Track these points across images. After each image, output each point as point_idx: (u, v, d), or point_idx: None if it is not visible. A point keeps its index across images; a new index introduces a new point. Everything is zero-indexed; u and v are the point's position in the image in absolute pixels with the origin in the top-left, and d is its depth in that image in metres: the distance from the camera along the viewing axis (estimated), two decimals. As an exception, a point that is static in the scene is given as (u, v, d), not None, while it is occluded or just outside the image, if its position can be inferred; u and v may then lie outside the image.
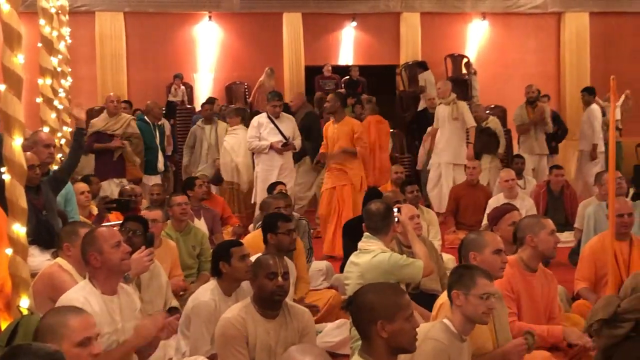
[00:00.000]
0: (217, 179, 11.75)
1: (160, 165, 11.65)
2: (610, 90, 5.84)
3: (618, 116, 14.77)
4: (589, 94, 13.44)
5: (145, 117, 11.63)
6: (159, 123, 11.80)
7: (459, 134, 12.39)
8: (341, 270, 7.78)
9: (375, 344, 3.58)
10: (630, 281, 4.13)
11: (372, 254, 5.57)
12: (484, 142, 12.81)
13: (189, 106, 16.49)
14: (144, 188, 10.40)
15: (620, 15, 18.26)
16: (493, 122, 13.22)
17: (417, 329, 3.66)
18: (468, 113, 12.45)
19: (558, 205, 10.79)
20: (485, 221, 9.30)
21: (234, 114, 11.90)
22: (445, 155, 12.39)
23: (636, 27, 18.30)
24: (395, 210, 5.94)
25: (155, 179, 11.19)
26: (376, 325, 3.55)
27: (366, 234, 5.77)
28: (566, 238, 9.94)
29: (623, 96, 14.66)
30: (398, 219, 5.92)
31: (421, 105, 15.71)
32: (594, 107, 13.30)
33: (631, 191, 10.04)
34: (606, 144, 13.05)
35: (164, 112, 13.37)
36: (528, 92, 13.06)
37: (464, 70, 17.75)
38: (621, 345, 3.88)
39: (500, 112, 15.95)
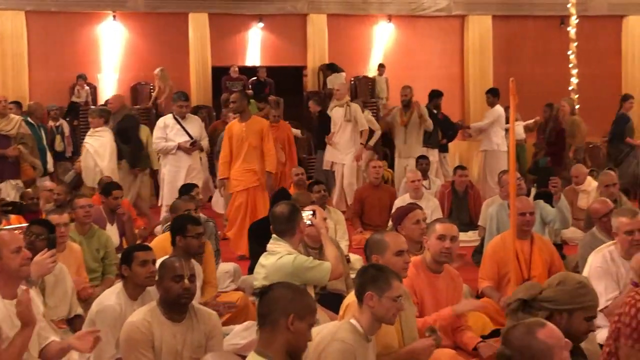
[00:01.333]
0: (77, 183, 11.46)
1: (50, 166, 11.43)
2: (510, 92, 5.95)
3: (522, 134, 15.17)
4: (492, 95, 13.68)
5: (29, 119, 11.42)
6: (57, 124, 11.59)
7: (354, 136, 12.65)
8: (249, 272, 7.77)
9: (277, 339, 3.57)
10: (561, 275, 4.19)
11: (277, 256, 5.55)
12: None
13: (92, 107, 16.20)
14: (35, 190, 10.18)
15: (522, 18, 18.67)
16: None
17: (318, 333, 3.66)
18: (361, 115, 12.72)
19: (462, 205, 10.96)
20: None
21: (96, 115, 11.34)
22: (342, 156, 12.67)
23: (537, 30, 18.73)
24: (310, 213, 5.95)
25: (45, 180, 10.94)
26: (288, 318, 3.55)
27: (274, 235, 5.77)
28: (470, 237, 10.12)
29: (532, 121, 15.05)
30: (312, 223, 5.92)
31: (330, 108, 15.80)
32: (498, 108, 13.55)
33: (533, 191, 10.27)
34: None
35: (65, 112, 13.13)
36: (402, 94, 12.99)
37: (370, 73, 17.90)
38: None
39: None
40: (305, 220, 5.86)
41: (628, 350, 4.39)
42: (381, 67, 17.65)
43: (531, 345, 3.20)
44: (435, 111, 13.41)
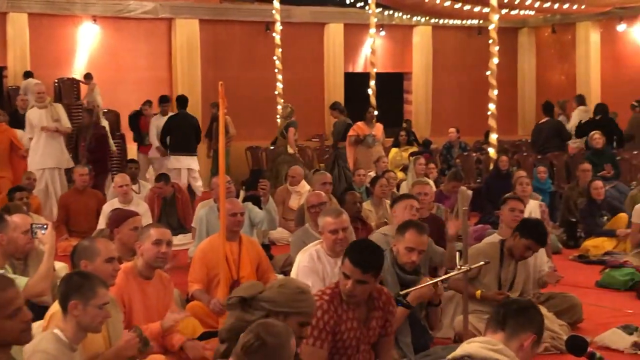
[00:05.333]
0: None
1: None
2: (219, 96, 5.97)
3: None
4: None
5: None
6: None
7: (59, 138, 12.25)
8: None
9: None
10: (285, 279, 4.28)
11: None
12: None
13: None
14: None
15: (228, 23, 18.90)
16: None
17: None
18: (65, 116, 12.38)
19: (172, 209, 10.93)
20: (100, 226, 9.16)
21: None
22: (50, 160, 12.15)
23: (243, 34, 19.05)
24: (40, 225, 5.66)
25: None
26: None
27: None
28: (181, 241, 10.09)
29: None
30: (38, 236, 5.64)
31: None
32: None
33: (242, 193, 10.41)
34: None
35: None
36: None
37: (75, 75, 17.32)
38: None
39: (114, 117, 15.84)
40: (32, 233, 5.63)
41: (309, 348, 4.60)
42: (88, 76, 16.82)
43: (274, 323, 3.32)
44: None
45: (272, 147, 15.42)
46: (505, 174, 12.41)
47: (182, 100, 14.03)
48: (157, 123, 14.24)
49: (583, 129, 15.01)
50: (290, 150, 14.34)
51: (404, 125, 18.76)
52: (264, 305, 4.01)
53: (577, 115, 16.34)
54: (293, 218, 9.92)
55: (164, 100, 14.73)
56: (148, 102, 15.31)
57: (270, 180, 11.42)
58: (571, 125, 16.25)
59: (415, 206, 7.18)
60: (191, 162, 13.61)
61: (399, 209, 7.18)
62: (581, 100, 16.78)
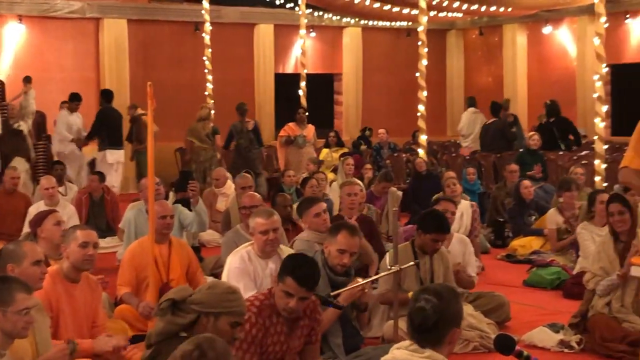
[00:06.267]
0: None
1: None
2: (148, 96, 5.90)
3: None
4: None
5: None
6: None
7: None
8: None
9: None
10: (211, 282, 4.27)
11: None
12: (14, 145, 12.50)
13: None
14: None
15: (157, 23, 18.71)
16: (25, 126, 12.94)
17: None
18: None
19: (99, 211, 10.82)
20: (26, 229, 8.99)
21: None
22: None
23: (172, 34, 18.88)
24: None
25: None
26: None
27: None
28: (108, 243, 9.98)
29: None
30: None
31: None
32: None
33: (172, 195, 10.31)
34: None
35: None
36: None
37: (1, 76, 16.96)
38: (170, 343, 3.87)
39: (40, 118, 15.54)
40: None
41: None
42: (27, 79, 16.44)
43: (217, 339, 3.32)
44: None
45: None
46: (426, 175, 12.52)
47: (108, 94, 13.98)
48: (65, 120, 14.20)
49: (538, 130, 15.30)
50: (218, 155, 14.38)
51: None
52: (194, 308, 3.98)
53: (466, 117, 16.59)
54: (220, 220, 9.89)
55: (75, 98, 14.67)
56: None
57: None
58: (461, 126, 16.51)
59: (322, 209, 7.18)
60: (122, 156, 13.78)
61: (308, 217, 7.17)
62: (471, 102, 17.02)
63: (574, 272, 8.66)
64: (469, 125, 16.66)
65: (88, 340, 5.18)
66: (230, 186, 11.18)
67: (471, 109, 16.71)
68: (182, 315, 3.99)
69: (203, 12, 16.94)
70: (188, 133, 14.47)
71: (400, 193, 11.43)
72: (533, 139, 13.53)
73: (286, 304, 4.72)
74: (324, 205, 7.27)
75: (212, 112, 15.29)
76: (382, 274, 6.00)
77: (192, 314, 3.98)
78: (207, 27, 16.97)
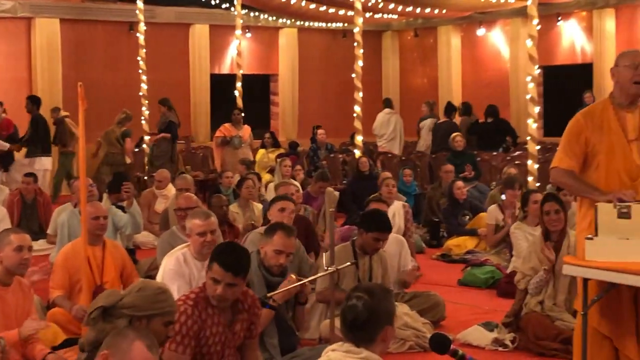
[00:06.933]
0: None
1: None
2: (79, 97, 5.83)
3: None
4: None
5: None
6: None
7: None
8: None
9: None
10: (142, 281, 4.17)
11: None
12: None
13: None
14: None
15: (91, 23, 18.46)
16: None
17: None
18: None
19: (32, 213, 10.66)
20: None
21: None
22: None
23: (106, 35, 18.66)
24: None
25: None
26: None
27: None
28: (41, 246, 9.82)
29: None
30: None
31: None
32: None
33: (105, 196, 10.18)
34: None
35: None
36: None
37: None
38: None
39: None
40: None
41: (170, 354, 4.57)
42: None
43: None
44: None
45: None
46: (368, 175, 12.59)
47: (37, 101, 13.86)
48: None
49: (474, 131, 15.44)
50: (127, 160, 14.28)
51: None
52: (125, 312, 3.92)
53: (380, 118, 16.71)
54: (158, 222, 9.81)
55: None
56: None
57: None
58: (375, 125, 16.62)
59: (289, 208, 7.19)
60: (50, 163, 13.67)
61: (273, 211, 7.19)
62: (387, 103, 17.15)
63: (508, 271, 8.77)
64: (382, 125, 16.72)
65: (12, 331, 5.15)
66: (171, 188, 11.10)
67: (386, 110, 16.80)
68: (114, 321, 3.93)
69: (137, 12, 16.76)
70: (102, 135, 14.38)
71: (337, 193, 11.46)
72: (456, 140, 13.66)
73: (214, 291, 4.70)
74: (291, 205, 7.26)
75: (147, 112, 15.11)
76: (319, 274, 6.00)
77: (124, 319, 3.91)
78: (142, 27, 16.79)
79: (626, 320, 4.75)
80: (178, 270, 5.97)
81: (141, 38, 16.75)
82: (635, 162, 4.81)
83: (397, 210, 9.77)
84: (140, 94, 16.76)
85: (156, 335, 3.78)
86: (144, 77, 16.78)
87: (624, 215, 4.44)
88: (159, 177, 11.47)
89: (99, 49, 18.55)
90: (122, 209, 8.72)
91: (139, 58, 16.78)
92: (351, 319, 3.42)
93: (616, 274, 4.45)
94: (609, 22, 17.55)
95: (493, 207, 10.07)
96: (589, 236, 4.61)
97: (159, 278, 6.09)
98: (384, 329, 3.43)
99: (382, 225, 6.70)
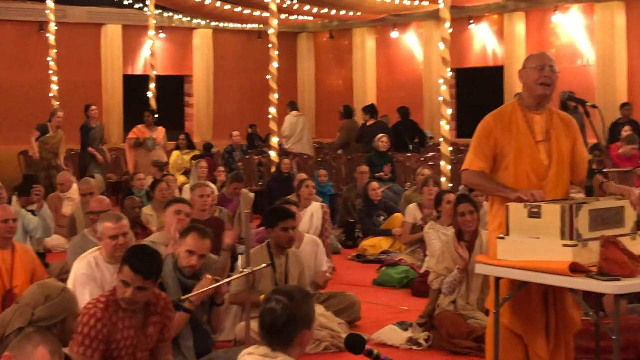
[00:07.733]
0: None
1: None
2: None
3: None
4: None
5: None
6: None
7: None
8: None
9: None
10: (41, 290, 4.06)
11: None
12: None
13: None
14: None
15: (-1, 22, 18.12)
16: None
17: None
18: None
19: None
20: None
21: None
22: None
23: (15, 35, 18.31)
24: None
25: None
26: None
27: None
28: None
29: None
30: None
31: None
32: None
33: (14, 199, 9.96)
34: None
35: None
36: None
37: None
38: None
39: None
40: None
41: (79, 358, 4.52)
42: None
43: None
44: None
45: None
46: (287, 177, 12.60)
47: None
48: None
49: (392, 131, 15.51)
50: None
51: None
52: (41, 325, 3.85)
53: (288, 120, 16.78)
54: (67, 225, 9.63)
55: None
56: None
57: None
58: (283, 128, 16.68)
59: (185, 211, 7.09)
60: None
61: (168, 214, 7.10)
62: (293, 106, 17.20)
63: (422, 270, 8.86)
64: (290, 128, 16.73)
65: None
66: (76, 190, 10.91)
67: (294, 112, 16.80)
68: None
69: (48, 11, 16.43)
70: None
71: (252, 195, 11.41)
72: (382, 141, 13.77)
73: (124, 294, 4.67)
74: (187, 208, 7.16)
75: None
76: (235, 276, 5.96)
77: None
78: (52, 27, 16.47)
79: (536, 318, 4.83)
80: (90, 275, 5.87)
81: (52, 38, 16.44)
82: (543, 162, 4.90)
83: (315, 211, 9.79)
84: (51, 95, 16.44)
85: (69, 333, 3.76)
86: (54, 78, 16.45)
87: (535, 214, 4.52)
88: (60, 180, 11.33)
89: (8, 50, 18.17)
90: (32, 212, 8.53)
91: (49, 59, 16.46)
92: (269, 322, 3.40)
93: (527, 272, 4.52)
94: (519, 26, 17.93)
95: (413, 206, 10.15)
96: (501, 235, 4.67)
97: (70, 282, 5.98)
98: (302, 333, 3.43)
99: (282, 214, 6.76)
